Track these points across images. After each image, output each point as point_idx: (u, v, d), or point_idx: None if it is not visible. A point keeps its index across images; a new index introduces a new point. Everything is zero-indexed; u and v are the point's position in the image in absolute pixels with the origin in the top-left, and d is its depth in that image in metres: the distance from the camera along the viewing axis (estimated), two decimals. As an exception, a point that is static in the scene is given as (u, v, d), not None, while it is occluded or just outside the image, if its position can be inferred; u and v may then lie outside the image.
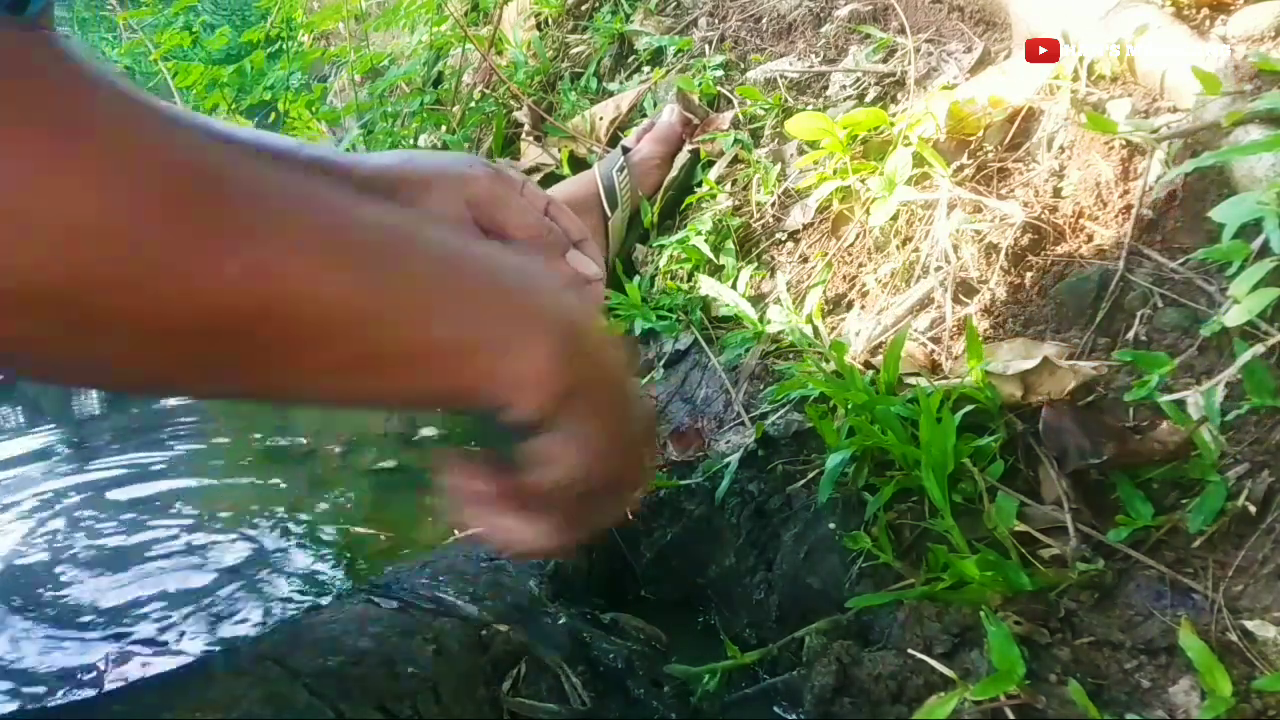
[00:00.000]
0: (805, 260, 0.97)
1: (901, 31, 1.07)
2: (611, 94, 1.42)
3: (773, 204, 1.02)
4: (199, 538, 0.97)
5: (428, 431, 1.18)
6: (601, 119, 1.38)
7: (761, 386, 0.89)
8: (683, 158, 1.16)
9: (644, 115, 1.32)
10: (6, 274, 0.31)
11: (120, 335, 0.34)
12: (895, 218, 0.86)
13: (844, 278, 0.91)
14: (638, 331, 1.06)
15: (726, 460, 0.82)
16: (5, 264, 0.31)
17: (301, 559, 0.95)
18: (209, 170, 0.35)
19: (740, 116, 1.14)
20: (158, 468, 1.13)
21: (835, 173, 0.92)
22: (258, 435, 1.20)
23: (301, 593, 0.90)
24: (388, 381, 0.41)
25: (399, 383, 0.42)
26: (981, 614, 0.55)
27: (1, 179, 0.30)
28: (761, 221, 1.04)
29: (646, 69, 1.41)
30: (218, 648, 0.82)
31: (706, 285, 1.00)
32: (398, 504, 1.03)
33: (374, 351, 0.39)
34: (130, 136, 0.33)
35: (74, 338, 0.33)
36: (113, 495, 1.06)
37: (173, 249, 0.33)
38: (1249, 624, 0.51)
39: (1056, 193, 0.78)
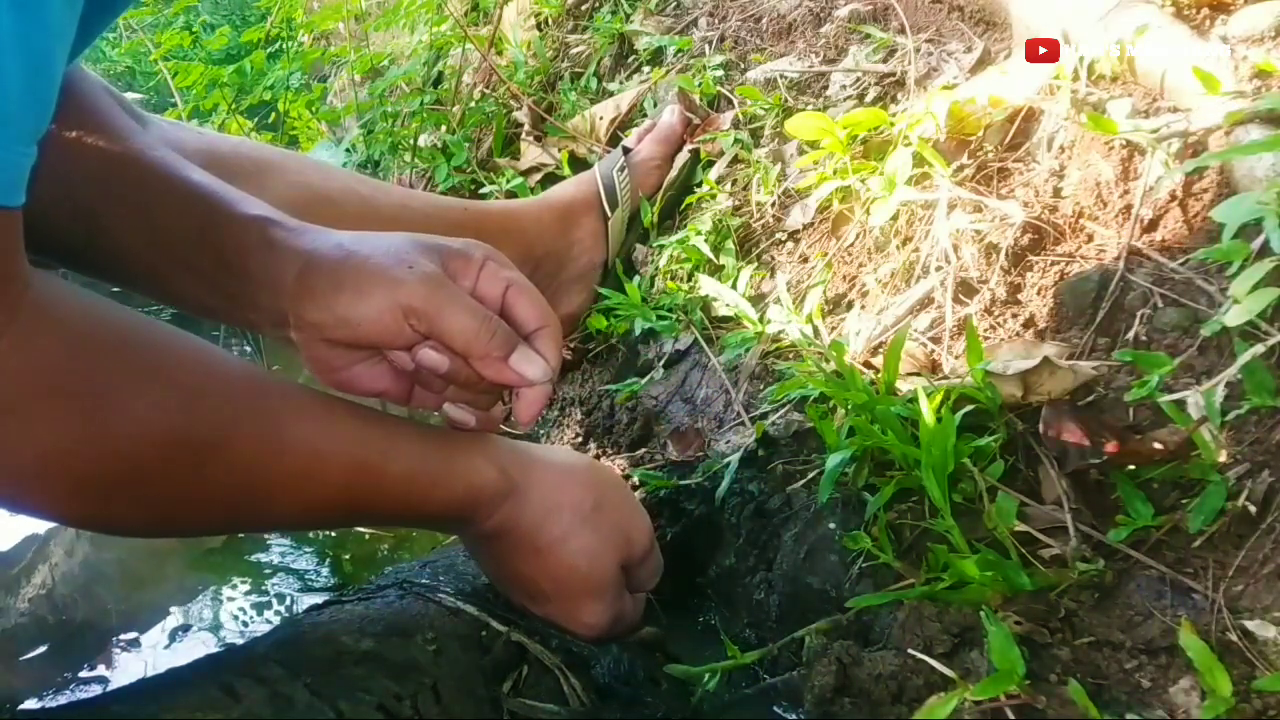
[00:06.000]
0: (805, 260, 0.97)
1: (901, 31, 1.06)
2: (611, 94, 1.42)
3: (773, 204, 1.02)
4: (199, 538, 0.97)
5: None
6: (601, 119, 1.38)
7: (761, 386, 0.89)
8: (683, 158, 1.16)
9: (644, 115, 1.32)
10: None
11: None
12: (895, 218, 0.86)
13: (844, 278, 0.91)
14: (638, 331, 1.06)
15: (726, 460, 0.82)
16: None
17: (302, 559, 0.95)
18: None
19: (740, 116, 1.14)
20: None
21: (835, 173, 0.92)
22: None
23: (301, 593, 0.90)
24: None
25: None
26: (981, 614, 0.55)
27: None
28: (761, 221, 1.04)
29: (646, 69, 1.41)
30: (218, 648, 0.82)
31: (706, 285, 1.00)
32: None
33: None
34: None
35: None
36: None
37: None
38: (1249, 624, 0.52)
39: (1056, 193, 0.78)
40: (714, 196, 1.08)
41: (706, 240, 1.05)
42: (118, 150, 0.66)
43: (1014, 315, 0.76)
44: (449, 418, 0.67)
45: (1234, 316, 0.58)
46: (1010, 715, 0.51)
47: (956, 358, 0.76)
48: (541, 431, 1.15)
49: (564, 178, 1.25)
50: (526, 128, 1.48)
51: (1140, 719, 0.50)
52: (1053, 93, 0.81)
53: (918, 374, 0.76)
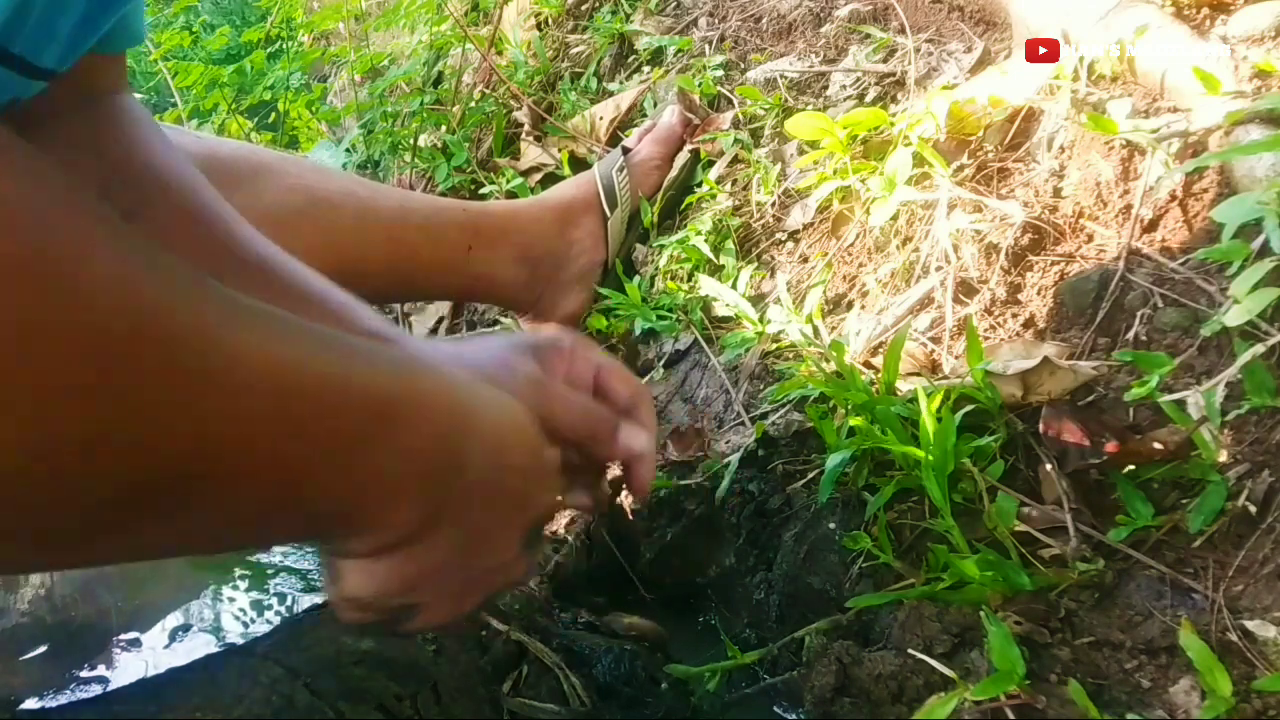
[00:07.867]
0: (805, 260, 0.97)
1: (901, 31, 1.06)
2: (611, 94, 1.42)
3: (773, 204, 1.02)
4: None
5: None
6: (601, 119, 1.38)
7: (761, 386, 0.89)
8: (683, 158, 1.16)
9: (644, 115, 1.32)
10: None
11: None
12: (895, 218, 0.86)
13: (844, 278, 0.91)
14: (638, 331, 1.06)
15: (726, 460, 0.82)
16: None
17: (303, 559, 0.95)
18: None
19: (740, 116, 1.14)
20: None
21: (835, 173, 0.92)
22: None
23: (301, 593, 0.90)
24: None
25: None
26: (981, 614, 0.55)
27: None
28: (761, 221, 1.04)
29: (646, 69, 1.41)
30: (218, 648, 0.82)
31: (706, 285, 1.00)
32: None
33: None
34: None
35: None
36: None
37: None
38: (1249, 624, 0.52)
39: (1056, 193, 0.78)
40: (714, 196, 1.09)
41: (706, 240, 1.05)
42: (224, 253, 0.62)
43: (1014, 315, 0.76)
44: (571, 504, 0.66)
45: (1234, 316, 0.58)
46: (1010, 715, 0.51)
47: (956, 358, 0.76)
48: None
49: (564, 178, 1.25)
50: (526, 128, 1.48)
51: (1140, 719, 0.50)
52: (1053, 93, 0.81)
53: (918, 374, 0.76)
